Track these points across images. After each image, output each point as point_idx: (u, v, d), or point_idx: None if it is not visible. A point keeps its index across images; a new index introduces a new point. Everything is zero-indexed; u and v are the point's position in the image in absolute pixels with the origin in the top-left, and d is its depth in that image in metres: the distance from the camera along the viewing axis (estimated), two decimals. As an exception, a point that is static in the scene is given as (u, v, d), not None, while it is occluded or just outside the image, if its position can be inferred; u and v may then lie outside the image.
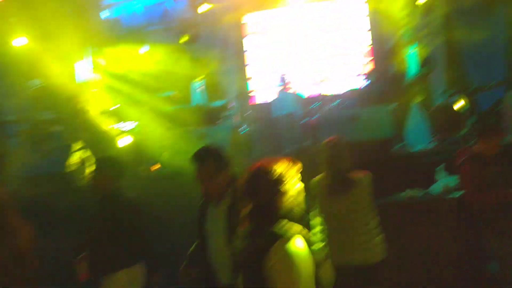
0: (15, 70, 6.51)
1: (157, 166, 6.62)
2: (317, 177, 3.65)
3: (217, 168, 3.00)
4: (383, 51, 8.54)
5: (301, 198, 2.14)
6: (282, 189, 2.06)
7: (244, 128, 8.10)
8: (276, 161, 2.12)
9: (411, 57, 7.24)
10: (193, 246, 3.36)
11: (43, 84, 7.00)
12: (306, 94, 8.85)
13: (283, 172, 2.07)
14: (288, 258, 1.90)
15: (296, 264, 1.91)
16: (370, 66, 9.14)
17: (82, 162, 5.84)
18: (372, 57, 9.13)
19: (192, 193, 3.38)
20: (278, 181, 2.05)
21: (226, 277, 2.92)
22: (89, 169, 4.22)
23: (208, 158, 3.01)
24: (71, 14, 7.31)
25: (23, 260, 2.42)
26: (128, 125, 7.30)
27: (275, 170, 2.07)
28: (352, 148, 3.64)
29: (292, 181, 2.10)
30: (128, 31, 9.18)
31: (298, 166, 2.16)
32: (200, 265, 3.23)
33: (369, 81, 8.00)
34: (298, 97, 8.45)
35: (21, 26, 6.42)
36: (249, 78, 10.02)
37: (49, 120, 6.54)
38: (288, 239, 1.95)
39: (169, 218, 4.96)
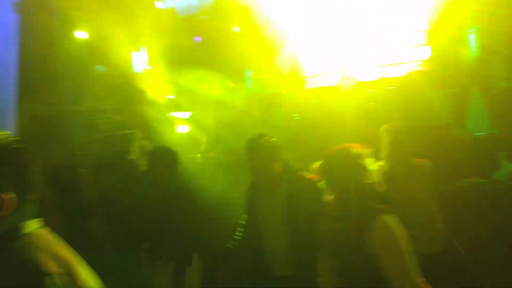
0: (78, 61, 6.76)
1: (212, 153, 6.72)
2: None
3: (271, 157, 2.96)
4: (441, 34, 8.27)
5: (379, 179, 2.15)
6: (365, 171, 2.07)
7: (298, 115, 8.07)
8: (351, 146, 2.14)
9: (469, 40, 6.98)
10: (232, 241, 3.29)
11: (105, 71, 7.24)
12: (362, 79, 8.71)
13: (362, 155, 2.09)
14: (392, 231, 1.91)
15: (399, 236, 1.90)
16: (428, 50, 8.89)
17: (141, 151, 6.01)
18: (429, 41, 8.87)
19: (244, 181, 3.35)
20: (360, 163, 2.07)
21: (282, 268, 2.89)
22: (147, 158, 4.31)
23: (262, 147, 2.98)
24: (129, 5, 7.50)
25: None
26: (184, 114, 7.44)
27: (356, 154, 2.08)
28: (411, 134, 3.56)
29: (370, 164, 2.11)
30: (183, 20, 9.30)
31: (371, 150, 2.17)
32: (244, 258, 3.21)
33: (427, 65, 7.78)
34: (354, 82, 8.33)
35: (83, 18, 6.65)
36: (303, 63, 9.96)
37: (110, 109, 6.76)
38: (387, 213, 1.95)
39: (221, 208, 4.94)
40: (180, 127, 7.06)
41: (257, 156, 2.98)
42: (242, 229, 3.27)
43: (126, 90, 6.83)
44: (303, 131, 7.81)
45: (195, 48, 8.64)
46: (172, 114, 7.31)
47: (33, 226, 1.39)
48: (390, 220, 1.94)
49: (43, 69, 5.92)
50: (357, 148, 2.16)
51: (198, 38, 9.49)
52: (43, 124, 5.67)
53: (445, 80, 7.11)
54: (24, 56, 5.69)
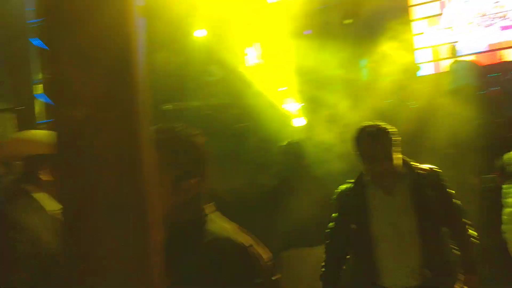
0: (196, 58, 7.14)
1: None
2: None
3: (392, 147, 2.54)
4: None
5: None
6: None
7: (412, 103, 7.79)
8: None
9: None
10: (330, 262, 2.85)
11: (221, 67, 7.57)
12: (483, 62, 8.17)
13: None
14: None
15: None
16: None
17: (258, 143, 6.19)
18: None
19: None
20: None
21: (405, 281, 2.47)
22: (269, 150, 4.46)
23: (383, 135, 2.57)
24: (241, 1, 7.72)
25: None
26: (297, 105, 7.53)
27: None
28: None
29: None
30: (294, 13, 9.38)
31: None
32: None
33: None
34: (474, 66, 7.84)
35: (201, 19, 7.01)
36: (417, 49, 9.59)
37: (227, 103, 7.04)
38: None
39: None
40: (294, 120, 7.18)
41: (377, 145, 2.52)
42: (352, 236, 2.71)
43: (240, 85, 7.08)
44: (419, 121, 7.52)
45: (307, 40, 8.68)
46: (285, 106, 7.43)
47: (211, 208, 1.51)
48: None
49: (167, 67, 6.33)
50: None
51: (309, 31, 9.52)
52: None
53: None
54: (149, 55, 6.11)
